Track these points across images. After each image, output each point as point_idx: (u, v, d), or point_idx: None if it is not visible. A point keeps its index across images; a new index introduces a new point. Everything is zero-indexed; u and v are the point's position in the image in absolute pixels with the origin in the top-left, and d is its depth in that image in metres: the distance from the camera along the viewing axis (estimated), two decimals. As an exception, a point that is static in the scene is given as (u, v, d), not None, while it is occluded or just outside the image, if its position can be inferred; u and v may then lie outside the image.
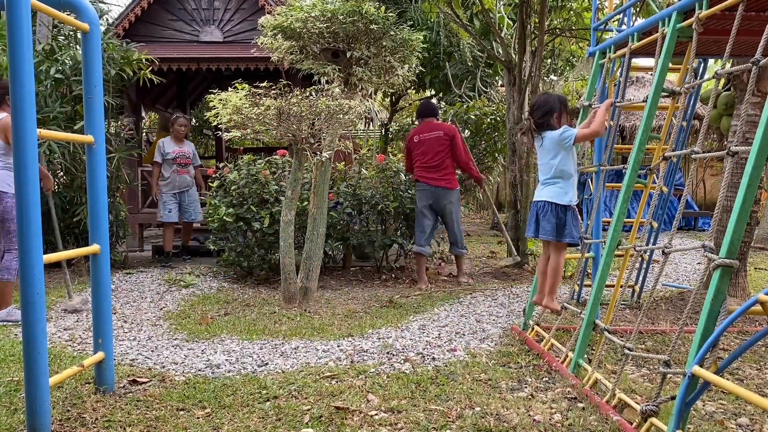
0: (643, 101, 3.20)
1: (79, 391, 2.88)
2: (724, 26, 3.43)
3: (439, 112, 6.94)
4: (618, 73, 4.21)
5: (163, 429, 2.49)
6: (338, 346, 3.72)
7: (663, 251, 2.61)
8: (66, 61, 6.22)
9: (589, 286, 4.72)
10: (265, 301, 5.10)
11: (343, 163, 6.77)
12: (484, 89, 9.74)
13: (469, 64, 9.42)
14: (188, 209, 7.01)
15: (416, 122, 6.34)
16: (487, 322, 4.40)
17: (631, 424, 2.44)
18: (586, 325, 3.14)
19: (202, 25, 8.60)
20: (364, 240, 6.17)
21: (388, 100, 11.32)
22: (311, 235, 4.90)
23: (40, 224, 2.27)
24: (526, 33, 6.76)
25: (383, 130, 10.77)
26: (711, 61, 5.43)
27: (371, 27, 4.67)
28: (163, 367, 3.34)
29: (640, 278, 4.97)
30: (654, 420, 2.32)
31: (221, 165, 6.42)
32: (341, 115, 4.59)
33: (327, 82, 5.10)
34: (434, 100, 11.89)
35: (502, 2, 8.49)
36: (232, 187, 5.99)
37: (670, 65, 3.29)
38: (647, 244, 4.41)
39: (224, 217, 5.82)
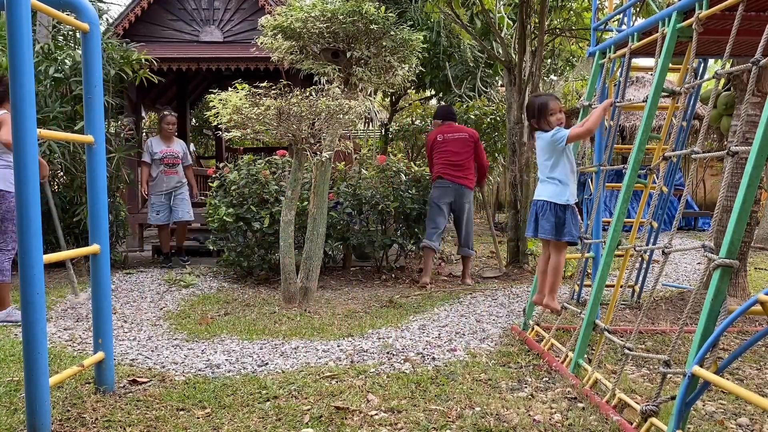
0: (643, 101, 3.20)
1: (79, 391, 2.88)
2: (724, 26, 3.43)
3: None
4: (618, 73, 4.21)
5: (163, 429, 2.49)
6: (338, 346, 3.72)
7: (663, 251, 2.61)
8: (66, 61, 6.22)
9: (589, 286, 4.72)
10: (265, 301, 5.10)
11: (344, 162, 6.77)
12: (484, 89, 9.73)
13: (470, 64, 9.41)
14: (176, 209, 6.80)
15: (433, 123, 6.53)
16: (487, 322, 4.40)
17: (631, 424, 2.44)
18: (586, 325, 3.14)
19: (202, 25, 8.60)
20: (364, 240, 6.17)
21: (388, 100, 11.32)
22: (311, 235, 4.90)
23: (40, 224, 2.27)
24: (526, 33, 6.76)
25: (383, 130, 10.77)
26: (711, 61, 5.43)
27: (371, 27, 4.67)
28: (163, 367, 3.34)
29: (640, 278, 4.97)
30: (654, 420, 2.32)
31: (221, 165, 6.42)
32: (341, 115, 4.59)
33: (327, 82, 5.10)
34: (434, 101, 11.90)
35: (502, 2, 8.48)
36: (232, 187, 6.00)
37: (670, 65, 3.29)
38: (647, 244, 4.41)
39: (224, 217, 5.82)
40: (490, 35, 8.61)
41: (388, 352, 3.58)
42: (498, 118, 8.73)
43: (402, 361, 3.41)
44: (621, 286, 3.84)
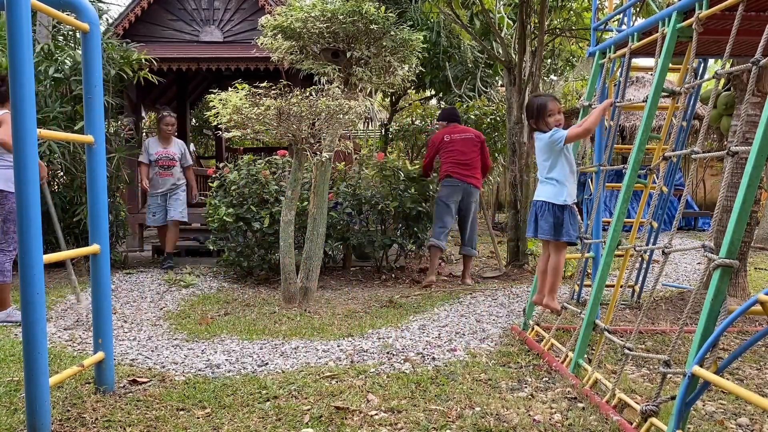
0: (643, 101, 3.20)
1: (79, 391, 2.88)
2: (724, 26, 3.43)
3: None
4: (618, 73, 4.21)
5: (163, 429, 2.49)
6: (338, 346, 3.72)
7: (663, 251, 2.61)
8: (66, 61, 6.22)
9: (589, 286, 4.72)
10: (265, 301, 5.10)
11: (344, 163, 6.77)
12: (484, 89, 9.73)
13: (470, 64, 9.41)
14: (169, 209, 6.73)
15: (438, 125, 6.61)
16: (487, 322, 4.40)
17: (631, 424, 2.44)
18: (586, 325, 3.14)
19: (202, 25, 8.59)
20: (364, 240, 6.17)
21: (388, 100, 11.32)
22: (311, 235, 4.90)
23: (40, 224, 2.27)
24: (526, 33, 6.76)
25: (383, 130, 10.77)
26: (711, 61, 5.44)
27: (371, 27, 4.67)
28: (163, 367, 3.34)
29: (640, 278, 4.97)
30: (654, 420, 2.32)
31: (221, 165, 6.42)
32: (341, 115, 4.59)
33: (327, 82, 5.10)
34: (434, 101, 11.90)
35: (502, 2, 8.48)
36: (232, 187, 6.00)
37: (670, 65, 3.29)
38: (647, 244, 4.41)
39: (224, 217, 5.82)
40: (490, 35, 8.61)
41: (388, 352, 3.58)
42: (498, 118, 8.72)
43: (402, 361, 3.41)
44: (621, 286, 3.84)
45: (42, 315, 2.29)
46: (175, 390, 2.93)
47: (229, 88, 4.61)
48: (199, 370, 3.28)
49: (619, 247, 3.57)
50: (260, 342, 3.83)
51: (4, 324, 4.22)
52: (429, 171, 6.40)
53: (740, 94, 4.79)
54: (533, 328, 3.89)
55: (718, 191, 4.49)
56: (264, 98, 4.48)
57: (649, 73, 9.27)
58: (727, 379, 2.97)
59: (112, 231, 6.51)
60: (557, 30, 8.38)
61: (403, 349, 3.67)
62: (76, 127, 5.92)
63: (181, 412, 2.67)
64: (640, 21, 4.97)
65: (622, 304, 4.82)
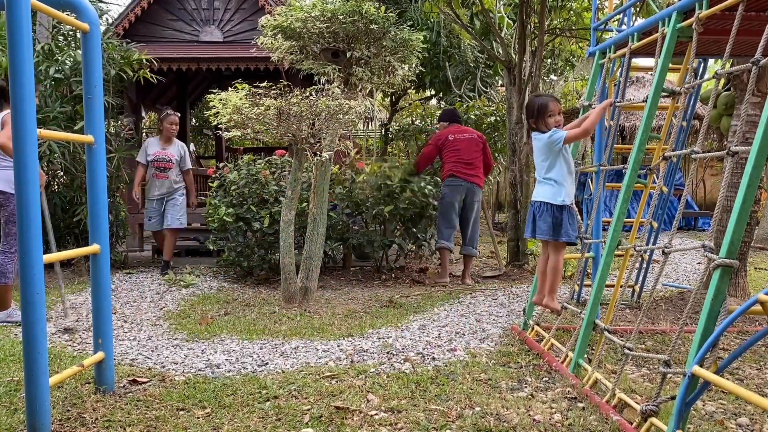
0: (643, 101, 3.20)
1: (79, 391, 2.88)
2: (724, 26, 3.43)
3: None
4: (618, 73, 4.21)
5: (163, 429, 2.49)
6: (338, 346, 3.72)
7: (663, 251, 2.61)
8: (66, 61, 6.22)
9: (589, 286, 4.72)
10: (265, 301, 5.10)
11: (337, 166, 6.73)
12: (484, 89, 9.72)
13: (470, 64, 9.41)
14: (166, 215, 6.36)
15: (440, 125, 6.61)
16: (487, 322, 4.40)
17: (631, 424, 2.44)
18: (586, 325, 3.14)
19: (202, 25, 8.60)
20: (364, 240, 6.17)
21: (388, 100, 11.32)
22: (311, 235, 4.90)
23: (40, 224, 2.27)
24: (526, 33, 6.75)
25: (383, 130, 10.77)
26: (711, 61, 5.44)
27: (371, 27, 4.67)
28: (163, 367, 3.34)
29: (640, 278, 4.97)
30: (654, 420, 2.32)
31: (221, 165, 6.41)
32: (341, 115, 4.59)
33: (327, 82, 5.10)
34: (434, 101, 11.89)
35: (502, 2, 8.48)
36: (232, 187, 6.00)
37: (670, 65, 3.29)
38: (647, 244, 4.41)
39: (224, 217, 5.82)
40: (490, 35, 8.61)
41: (388, 352, 3.58)
42: (498, 118, 8.72)
43: (402, 361, 3.41)
44: (621, 286, 3.84)
45: (42, 315, 2.30)
46: (175, 390, 2.93)
47: (229, 88, 4.61)
48: (199, 370, 3.28)
49: (619, 247, 3.57)
50: (260, 342, 3.83)
51: (5, 324, 4.22)
52: (424, 166, 6.38)
53: (740, 94, 4.79)
54: (533, 328, 3.89)
55: (718, 191, 4.49)
56: (264, 98, 4.48)
57: (649, 73, 9.27)
58: (727, 379, 2.97)
59: (112, 231, 6.51)
60: (557, 30, 8.38)
61: (403, 349, 3.67)
62: (76, 127, 5.92)
63: (181, 412, 2.67)
64: (640, 21, 4.97)
65: (622, 304, 4.82)
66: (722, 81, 4.72)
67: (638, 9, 5.73)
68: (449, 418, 2.59)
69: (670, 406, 2.30)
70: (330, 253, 6.39)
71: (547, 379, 3.13)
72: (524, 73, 6.73)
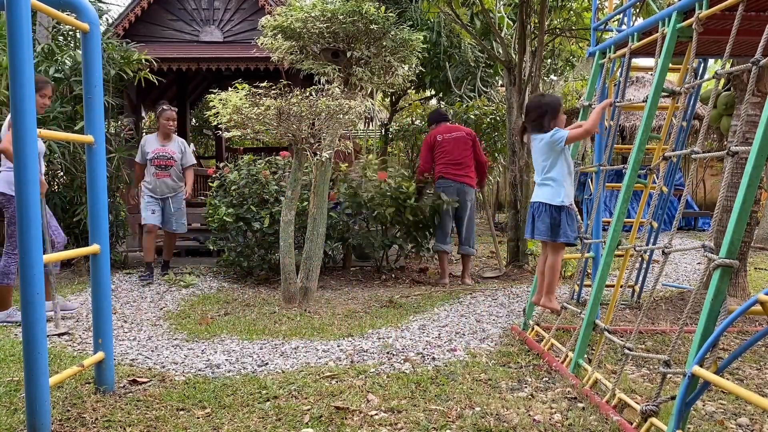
0: (643, 101, 3.20)
1: (79, 391, 2.88)
2: (724, 26, 3.43)
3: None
4: (618, 73, 4.21)
5: (163, 429, 2.49)
6: (338, 346, 3.72)
7: (663, 251, 2.61)
8: (66, 61, 6.23)
9: (589, 286, 4.72)
10: (265, 301, 5.10)
11: (346, 164, 6.74)
12: (484, 89, 9.73)
13: (470, 64, 9.41)
14: (170, 219, 6.10)
15: (429, 128, 6.60)
16: (487, 322, 4.40)
17: (631, 424, 2.44)
18: (586, 325, 3.14)
19: (202, 25, 8.60)
20: (364, 240, 6.17)
21: (388, 100, 11.32)
22: (311, 235, 4.90)
23: (40, 225, 2.27)
24: (526, 33, 6.76)
25: (383, 130, 10.77)
26: (711, 61, 5.44)
27: (371, 27, 4.67)
28: (163, 367, 3.34)
29: (640, 278, 4.97)
30: (654, 420, 2.32)
31: (221, 165, 6.41)
32: (341, 115, 4.59)
33: (327, 82, 5.10)
34: (434, 101, 11.90)
35: (502, 2, 8.48)
36: (232, 187, 5.99)
37: (670, 65, 3.29)
38: (647, 244, 4.41)
39: (224, 217, 5.82)
40: (490, 35, 8.62)
41: (388, 352, 3.58)
42: (498, 118, 8.73)
43: (402, 361, 3.41)
44: (621, 286, 3.84)
45: (42, 315, 2.30)
46: (175, 390, 2.93)
47: (229, 88, 4.61)
48: (199, 370, 3.28)
49: (619, 247, 3.57)
50: (260, 342, 3.83)
51: (5, 324, 4.22)
52: (426, 171, 6.33)
53: (740, 94, 4.79)
54: (533, 328, 3.89)
55: (718, 191, 4.49)
56: (264, 98, 4.48)
57: (649, 73, 9.27)
58: (727, 379, 2.97)
59: (112, 231, 6.50)
60: (557, 30, 8.38)
61: (403, 349, 3.67)
62: (76, 127, 5.92)
63: (181, 412, 2.67)
64: (640, 21, 4.97)
65: (622, 304, 4.82)
66: (722, 81, 4.72)
67: (638, 9, 5.73)
68: (449, 418, 2.59)
69: (670, 406, 2.30)
70: (330, 253, 6.39)
71: (547, 379, 3.13)
72: (524, 73, 6.73)
